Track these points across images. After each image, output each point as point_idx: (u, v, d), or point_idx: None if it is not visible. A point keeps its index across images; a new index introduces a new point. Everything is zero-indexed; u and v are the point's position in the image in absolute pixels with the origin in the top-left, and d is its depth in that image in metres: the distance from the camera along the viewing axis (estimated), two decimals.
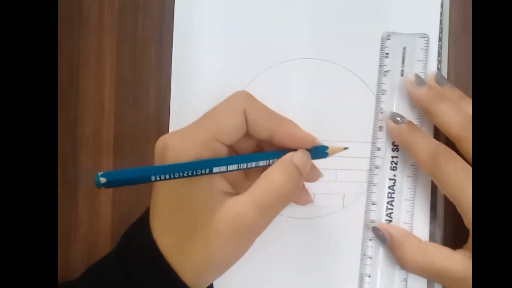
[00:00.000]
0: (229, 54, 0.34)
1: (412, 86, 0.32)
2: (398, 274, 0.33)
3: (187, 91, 0.34)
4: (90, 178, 0.34)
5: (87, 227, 0.34)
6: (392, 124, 0.32)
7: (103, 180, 0.22)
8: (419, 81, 0.32)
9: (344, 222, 0.34)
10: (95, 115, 0.34)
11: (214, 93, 0.34)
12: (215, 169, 0.25)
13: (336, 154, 0.29)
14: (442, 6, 0.34)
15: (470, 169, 0.29)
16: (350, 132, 0.34)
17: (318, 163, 0.29)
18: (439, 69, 0.34)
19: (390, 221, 0.33)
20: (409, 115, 0.33)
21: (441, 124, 0.31)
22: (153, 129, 0.34)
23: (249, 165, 0.27)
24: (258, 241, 0.27)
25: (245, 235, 0.26)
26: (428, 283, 0.33)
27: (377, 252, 0.33)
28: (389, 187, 0.33)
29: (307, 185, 0.31)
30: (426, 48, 0.33)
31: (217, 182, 0.27)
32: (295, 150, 0.28)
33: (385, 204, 0.33)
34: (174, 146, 0.25)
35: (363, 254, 0.34)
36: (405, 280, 0.33)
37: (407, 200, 0.33)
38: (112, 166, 0.34)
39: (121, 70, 0.34)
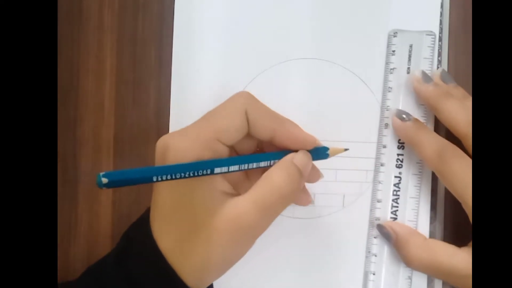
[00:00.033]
0: (229, 54, 0.34)
1: (419, 83, 0.32)
2: (403, 272, 0.33)
3: (187, 91, 0.34)
4: (90, 178, 0.34)
5: (87, 227, 0.34)
6: (398, 122, 0.32)
7: (104, 180, 0.22)
8: (426, 78, 0.32)
9: (344, 222, 0.34)
10: (95, 115, 0.34)
11: (214, 93, 0.34)
12: (217, 170, 0.25)
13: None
14: (442, 6, 0.34)
15: None
16: (349, 132, 0.34)
17: (318, 163, 0.29)
18: (439, 69, 0.34)
19: (395, 218, 0.33)
20: (415, 113, 0.33)
21: (447, 121, 0.31)
22: (153, 129, 0.34)
23: (250, 165, 0.27)
24: (258, 241, 0.27)
25: (246, 236, 0.26)
26: (428, 282, 0.33)
27: (382, 250, 0.33)
28: (394, 185, 0.33)
29: (307, 185, 0.31)
30: (432, 45, 0.33)
31: (218, 182, 0.27)
32: (296, 151, 0.28)
33: (390, 202, 0.33)
34: (175, 146, 0.25)
35: (368, 251, 0.34)
36: (410, 278, 0.33)
37: (412, 198, 0.33)
38: (112, 166, 0.34)
39: (121, 70, 0.34)
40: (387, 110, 0.34)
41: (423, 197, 0.33)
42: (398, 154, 0.33)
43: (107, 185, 0.22)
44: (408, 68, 0.33)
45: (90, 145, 0.34)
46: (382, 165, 0.34)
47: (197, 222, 0.26)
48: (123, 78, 0.34)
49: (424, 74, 0.32)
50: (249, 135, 0.28)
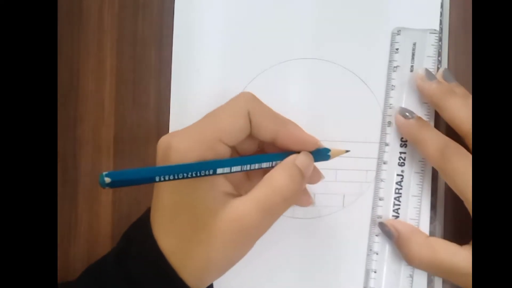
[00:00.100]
0: (229, 54, 0.34)
1: (422, 81, 0.32)
2: (404, 270, 0.33)
3: (187, 91, 0.34)
4: (90, 178, 0.34)
5: (87, 227, 0.34)
6: (402, 119, 0.32)
7: (107, 180, 0.22)
8: (429, 75, 0.32)
9: (345, 222, 0.34)
10: (95, 115, 0.34)
11: (214, 93, 0.34)
12: (219, 170, 0.25)
13: None
14: (442, 6, 0.34)
15: None
16: (349, 132, 0.34)
17: (318, 163, 0.29)
18: (438, 68, 0.34)
19: (397, 216, 0.33)
20: (418, 111, 0.33)
21: (450, 119, 0.31)
22: (153, 129, 0.34)
23: (252, 166, 0.27)
24: (258, 241, 0.27)
25: (247, 237, 0.26)
26: (428, 282, 0.33)
27: (384, 248, 0.33)
28: (396, 183, 0.33)
29: (308, 186, 0.31)
30: (436, 44, 0.33)
31: (220, 183, 0.27)
32: (298, 152, 0.28)
33: (392, 200, 0.33)
34: (177, 146, 0.25)
35: (369, 249, 0.34)
36: (411, 276, 0.33)
37: (415, 196, 0.33)
38: (112, 166, 0.34)
39: (121, 70, 0.34)
40: (390, 108, 0.34)
41: (425, 196, 0.33)
42: (400, 152, 0.33)
43: (110, 185, 0.22)
44: (412, 66, 0.33)
45: (90, 145, 0.34)
46: (384, 163, 0.34)
47: (199, 223, 0.26)
48: (123, 78, 0.34)
49: (427, 72, 0.32)
50: (251, 135, 0.28)
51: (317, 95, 0.34)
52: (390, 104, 0.34)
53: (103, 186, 0.22)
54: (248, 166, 0.27)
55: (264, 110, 0.28)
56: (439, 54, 0.34)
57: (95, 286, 0.27)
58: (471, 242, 0.30)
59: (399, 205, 0.33)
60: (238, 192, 0.28)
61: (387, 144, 0.34)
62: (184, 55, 0.34)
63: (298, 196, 0.28)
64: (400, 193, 0.33)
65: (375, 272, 0.33)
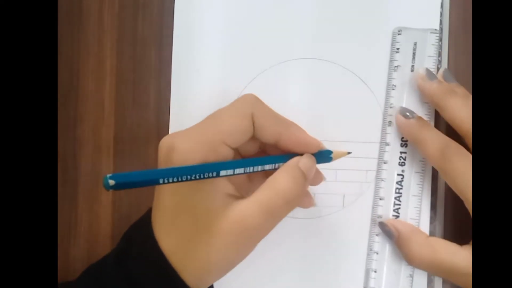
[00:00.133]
0: (229, 54, 0.34)
1: (423, 80, 0.32)
2: (404, 270, 0.33)
3: (187, 91, 0.34)
4: (90, 178, 0.34)
5: (87, 227, 0.34)
6: (402, 119, 0.32)
7: (111, 182, 0.22)
8: (430, 75, 0.32)
9: (345, 222, 0.34)
10: (95, 115, 0.34)
11: (214, 93, 0.34)
12: (222, 173, 0.25)
13: None
14: (442, 6, 0.34)
15: None
16: (349, 132, 0.34)
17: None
18: (439, 69, 0.34)
19: (398, 216, 0.33)
20: (419, 111, 0.33)
21: (451, 119, 0.31)
22: (153, 129, 0.34)
23: (255, 168, 0.27)
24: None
25: (249, 239, 0.26)
26: (428, 282, 0.33)
27: (384, 248, 0.33)
28: (397, 183, 0.33)
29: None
30: (437, 43, 0.33)
31: (222, 184, 0.27)
32: (300, 154, 0.28)
33: (392, 200, 0.33)
34: (180, 148, 0.25)
35: (370, 249, 0.34)
36: (411, 276, 0.33)
37: (415, 196, 0.33)
38: (112, 166, 0.34)
39: (121, 70, 0.34)
40: (390, 108, 0.34)
41: (426, 195, 0.33)
42: (401, 152, 0.33)
43: (114, 187, 0.22)
44: (412, 66, 0.33)
45: (90, 145, 0.34)
46: (385, 162, 0.34)
47: (200, 224, 0.25)
48: (123, 78, 0.34)
49: (428, 71, 0.32)
50: (253, 137, 0.28)
51: (317, 95, 0.34)
52: (391, 103, 0.34)
53: (107, 189, 0.22)
54: (251, 168, 0.27)
55: (267, 112, 0.28)
56: (439, 54, 0.34)
57: (95, 286, 0.27)
58: (471, 242, 0.31)
59: (399, 204, 0.33)
60: (240, 193, 0.28)
61: (387, 144, 0.34)
62: (184, 55, 0.34)
63: (301, 198, 0.28)
64: (401, 193, 0.33)
65: (375, 271, 0.33)
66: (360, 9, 0.34)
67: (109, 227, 0.34)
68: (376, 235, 0.34)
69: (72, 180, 0.34)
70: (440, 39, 0.34)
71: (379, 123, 0.34)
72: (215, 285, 0.28)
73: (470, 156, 0.30)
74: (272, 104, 0.28)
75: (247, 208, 0.25)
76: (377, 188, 0.34)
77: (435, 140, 0.31)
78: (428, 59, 0.33)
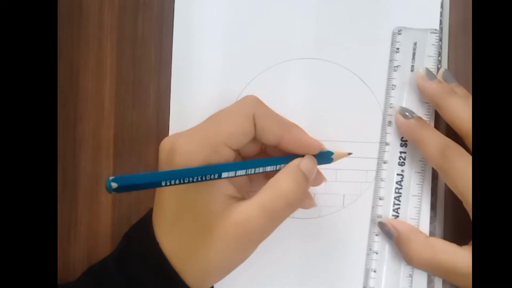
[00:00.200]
0: (229, 54, 0.34)
1: (423, 80, 0.32)
2: (404, 270, 0.33)
3: (187, 91, 0.34)
4: (90, 178, 0.34)
5: (87, 227, 0.34)
6: (402, 119, 0.32)
7: (114, 185, 0.22)
8: (430, 75, 0.32)
9: (345, 221, 0.34)
10: (95, 115, 0.34)
11: (214, 93, 0.34)
12: (224, 174, 0.25)
13: None
14: (442, 6, 0.34)
15: None
16: (349, 132, 0.34)
17: None
18: (439, 69, 0.34)
19: (397, 216, 0.33)
20: (419, 111, 0.33)
21: (450, 119, 0.31)
22: (153, 129, 0.34)
23: (257, 170, 0.27)
24: None
25: (251, 240, 0.26)
26: (428, 282, 0.33)
27: (383, 248, 0.33)
28: (396, 182, 0.33)
29: None
30: (437, 43, 0.33)
31: (223, 185, 0.27)
32: (301, 155, 0.28)
33: (392, 199, 0.33)
34: (182, 149, 0.25)
35: (369, 249, 0.34)
36: (411, 276, 0.33)
37: (415, 195, 0.33)
38: (112, 166, 0.34)
39: (121, 70, 0.34)
40: (390, 107, 0.34)
41: (425, 195, 0.33)
42: (400, 152, 0.33)
43: (116, 190, 0.22)
44: (412, 66, 0.33)
45: (90, 145, 0.34)
46: (384, 162, 0.34)
47: (202, 225, 0.25)
48: (123, 78, 0.34)
49: (428, 71, 0.32)
50: (254, 138, 0.28)
51: (317, 95, 0.34)
52: (391, 103, 0.34)
53: (109, 191, 0.22)
54: (253, 170, 0.27)
55: (268, 113, 0.28)
56: (439, 54, 0.34)
57: (95, 286, 0.27)
58: (470, 243, 0.31)
59: (399, 204, 0.33)
60: (241, 194, 0.28)
61: (387, 144, 0.34)
62: (184, 55, 0.34)
63: (302, 200, 0.28)
64: (400, 193, 0.33)
65: (374, 271, 0.33)
66: (361, 9, 0.34)
67: (109, 227, 0.34)
68: (376, 235, 0.34)
69: (72, 180, 0.34)
70: (440, 39, 0.34)
71: (379, 123, 0.34)
72: (216, 285, 0.28)
73: (470, 157, 0.30)
74: (272, 104, 0.28)
75: (248, 210, 0.25)
76: (376, 188, 0.34)
77: (435, 140, 0.31)
78: (428, 59, 0.33)
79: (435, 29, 0.33)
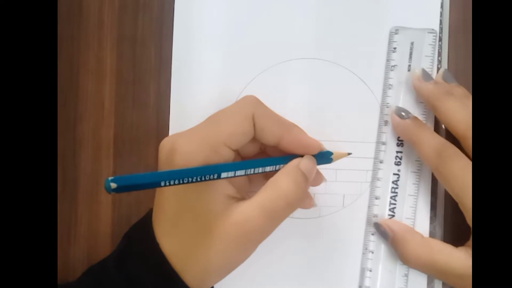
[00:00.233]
0: (229, 54, 0.34)
1: (419, 81, 0.32)
2: (400, 269, 0.33)
3: (187, 91, 0.34)
4: (90, 178, 0.34)
5: (87, 227, 0.34)
6: (397, 119, 0.32)
7: (113, 185, 0.22)
8: (426, 76, 0.32)
9: (344, 222, 0.34)
10: (95, 115, 0.34)
11: (214, 93, 0.34)
12: (223, 175, 0.25)
13: None
14: (442, 6, 0.34)
15: None
16: (349, 132, 0.34)
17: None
18: (439, 69, 0.34)
19: (393, 216, 0.33)
20: (415, 111, 0.33)
21: (446, 121, 0.31)
22: (153, 129, 0.34)
23: (256, 170, 0.27)
24: None
25: (251, 241, 0.26)
26: (428, 282, 0.33)
27: (379, 247, 0.33)
28: (393, 182, 0.33)
29: None
30: (434, 43, 0.33)
31: (223, 185, 0.27)
32: (301, 155, 0.28)
33: (388, 199, 0.33)
34: (182, 150, 0.25)
35: (365, 248, 0.34)
36: (406, 275, 0.33)
37: (411, 195, 0.33)
38: (112, 166, 0.34)
39: (121, 70, 0.34)
40: (387, 107, 0.34)
41: (422, 195, 0.33)
42: (397, 152, 0.33)
43: (116, 190, 0.22)
44: (409, 65, 0.33)
45: (90, 145, 0.34)
46: (381, 162, 0.34)
47: (202, 225, 0.25)
48: (123, 78, 0.34)
49: (424, 72, 0.32)
50: (253, 138, 0.28)
51: (317, 95, 0.34)
52: (387, 103, 0.34)
53: (109, 192, 0.22)
54: (252, 170, 0.27)
55: (268, 114, 0.28)
56: (439, 54, 0.34)
57: (95, 287, 0.27)
58: (467, 244, 0.31)
59: (395, 204, 0.33)
60: (240, 194, 0.28)
61: (383, 143, 0.34)
62: (184, 55, 0.34)
63: (302, 200, 0.28)
64: (396, 193, 0.33)
65: (370, 271, 0.33)
66: (361, 9, 0.34)
67: (109, 227, 0.34)
68: (372, 234, 0.34)
69: (72, 180, 0.34)
70: (440, 39, 0.34)
71: (379, 120, 0.34)
72: (216, 286, 0.28)
73: (466, 158, 0.29)
74: (272, 104, 0.28)
75: (248, 210, 0.25)
76: (373, 188, 0.34)
77: (431, 141, 0.31)
78: (425, 59, 0.33)
79: (433, 29, 0.33)
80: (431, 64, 0.33)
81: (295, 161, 0.27)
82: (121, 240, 0.29)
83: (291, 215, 0.27)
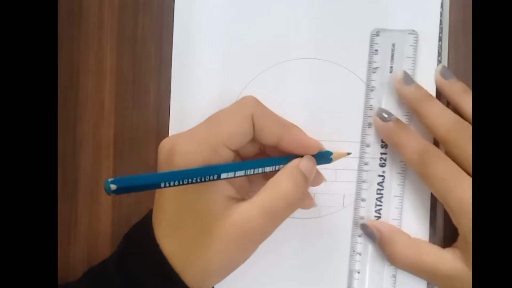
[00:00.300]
0: (229, 54, 0.34)
1: (400, 85, 0.32)
2: (387, 271, 0.33)
3: (187, 91, 0.34)
4: (90, 178, 0.34)
5: (87, 227, 0.34)
6: (380, 122, 0.32)
7: (113, 187, 0.22)
8: (407, 79, 0.32)
9: (345, 222, 0.34)
10: (95, 115, 0.34)
11: (214, 93, 0.34)
12: (223, 175, 0.25)
13: None
14: (442, 6, 0.34)
15: (457, 168, 0.29)
16: (349, 132, 0.34)
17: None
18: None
19: (379, 217, 0.33)
20: (398, 112, 0.33)
21: (428, 125, 0.31)
22: (153, 129, 0.34)
23: (256, 171, 0.27)
24: None
25: (251, 241, 0.26)
26: (429, 284, 0.33)
27: (366, 249, 0.33)
28: (378, 184, 0.33)
29: None
30: (415, 44, 0.33)
31: (223, 186, 0.27)
32: (300, 155, 0.28)
33: (374, 201, 0.33)
34: (182, 150, 0.25)
35: (353, 250, 0.34)
36: (394, 276, 0.33)
37: (396, 196, 0.33)
38: (112, 166, 0.34)
39: (121, 70, 0.34)
40: (370, 109, 0.33)
41: (407, 196, 0.33)
42: (381, 153, 0.33)
43: (115, 192, 0.22)
44: (391, 67, 0.33)
45: (90, 145, 0.34)
46: (366, 164, 0.33)
47: (202, 226, 0.26)
48: (123, 78, 0.34)
49: (406, 75, 0.32)
50: (253, 139, 0.28)
51: (317, 95, 0.34)
52: (370, 105, 0.34)
53: (108, 193, 0.22)
54: (252, 170, 0.27)
55: (267, 114, 0.28)
56: (439, 54, 0.34)
57: (95, 287, 0.27)
58: (454, 245, 0.31)
59: (381, 205, 0.33)
60: (240, 195, 0.28)
61: (368, 145, 0.34)
62: (184, 55, 0.34)
63: (302, 200, 0.28)
64: (382, 194, 0.33)
65: (358, 272, 0.33)
66: (360, 9, 0.34)
67: (109, 227, 0.34)
68: (359, 236, 0.34)
69: (72, 180, 0.34)
70: (440, 39, 0.34)
71: (362, 122, 0.34)
72: (216, 286, 0.28)
73: (449, 159, 0.29)
74: (272, 104, 0.28)
75: (248, 211, 0.25)
76: (358, 190, 0.34)
77: (413, 144, 0.31)
78: (406, 60, 0.33)
79: (413, 30, 0.33)
80: (412, 65, 0.33)
81: (295, 161, 0.27)
82: (121, 240, 0.29)
83: (291, 215, 0.27)
